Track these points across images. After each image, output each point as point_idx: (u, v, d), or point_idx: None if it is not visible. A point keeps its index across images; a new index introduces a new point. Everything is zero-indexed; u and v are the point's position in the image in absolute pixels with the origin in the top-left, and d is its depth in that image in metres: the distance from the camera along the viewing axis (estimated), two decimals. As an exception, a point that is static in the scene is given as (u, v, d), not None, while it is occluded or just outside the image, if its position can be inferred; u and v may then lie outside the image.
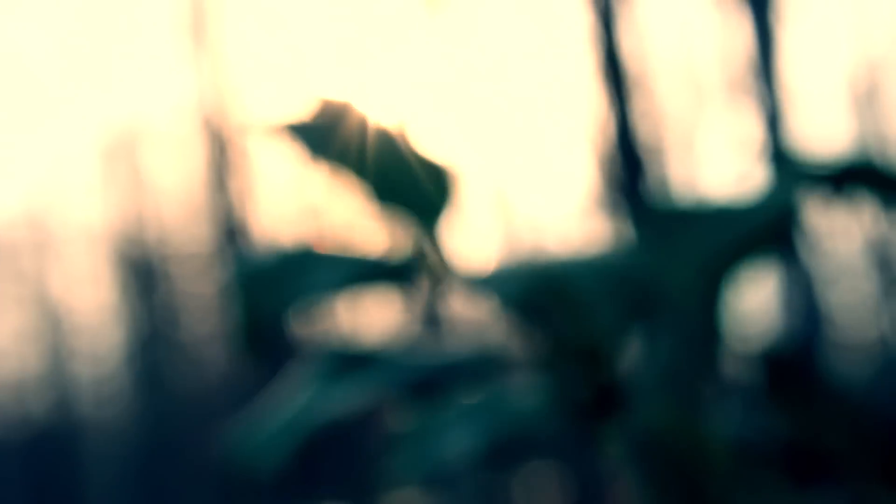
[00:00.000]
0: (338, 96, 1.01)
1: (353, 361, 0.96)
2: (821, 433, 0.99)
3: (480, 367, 0.93)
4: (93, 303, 16.28)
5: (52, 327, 15.50)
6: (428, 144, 1.01)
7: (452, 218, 0.96)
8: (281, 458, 0.88)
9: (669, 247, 0.99)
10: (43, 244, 15.50)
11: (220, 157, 11.47)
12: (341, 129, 0.99)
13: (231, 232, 11.43)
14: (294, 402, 0.94)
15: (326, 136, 0.98)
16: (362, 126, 1.00)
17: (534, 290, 0.76)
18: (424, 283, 0.84)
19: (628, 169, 6.46)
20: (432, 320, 12.25)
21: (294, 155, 0.96)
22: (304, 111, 1.01)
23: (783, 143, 5.18)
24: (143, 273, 16.15)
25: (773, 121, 5.36)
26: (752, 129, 5.34)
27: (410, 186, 0.98)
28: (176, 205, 15.70)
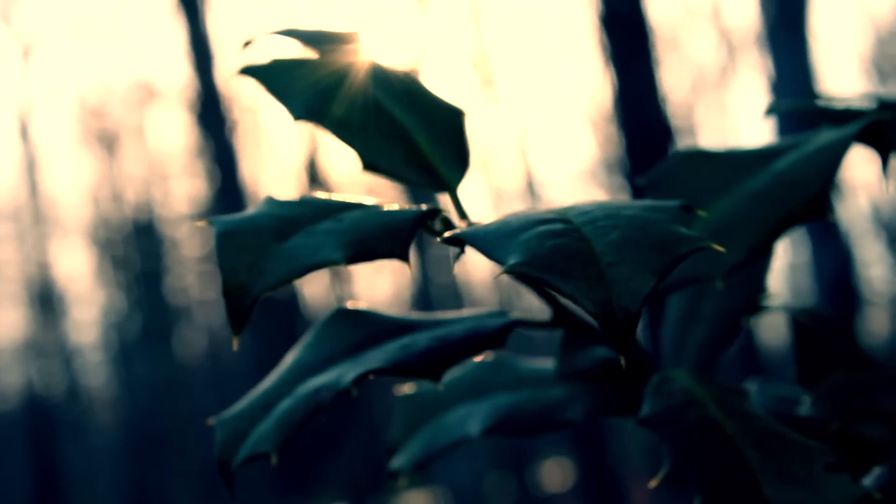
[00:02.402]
0: (336, 30, 0.92)
1: (359, 328, 0.88)
2: (855, 406, 0.91)
3: (495, 335, 0.84)
4: (85, 267, 16.28)
5: (45, 293, 15.49)
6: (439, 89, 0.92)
7: (469, 169, 0.87)
8: (260, 436, 0.79)
9: (704, 196, 0.90)
10: (36, 209, 15.46)
11: (218, 114, 11.41)
12: (327, 69, 0.89)
13: (228, 191, 11.38)
14: (279, 372, 0.85)
15: (306, 77, 0.89)
16: (360, 64, 0.90)
17: (548, 246, 0.66)
18: (438, 241, 0.74)
19: (653, 126, 6.37)
20: (443, 283, 12.26)
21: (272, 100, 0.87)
22: (275, 50, 0.92)
23: (812, 93, 5.09)
24: (139, 235, 16.13)
25: (802, 72, 5.26)
26: (779, 80, 5.25)
27: (424, 133, 0.89)
28: (171, 165, 15.67)
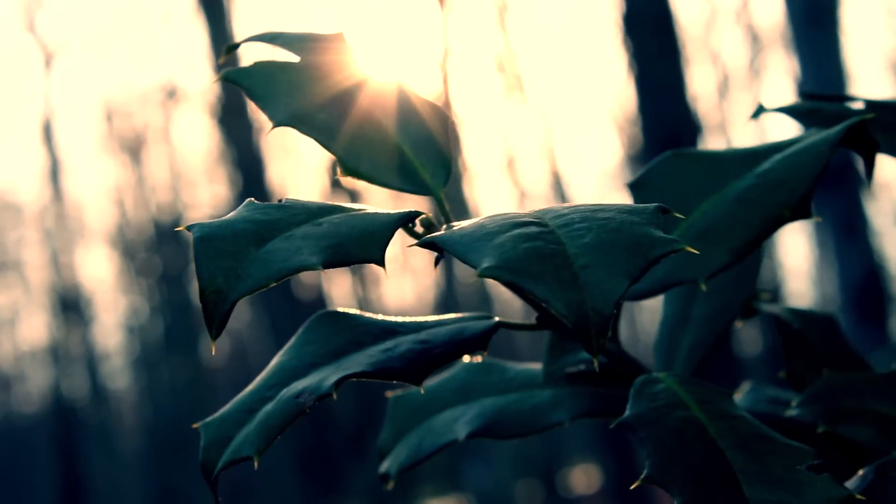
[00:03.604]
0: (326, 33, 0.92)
1: (342, 331, 0.88)
2: (842, 408, 0.91)
3: (477, 339, 0.84)
4: (109, 271, 16.33)
5: (70, 297, 15.54)
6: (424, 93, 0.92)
7: (451, 172, 0.88)
8: (242, 441, 0.80)
9: (690, 197, 0.90)
10: (60, 214, 15.51)
11: (243, 117, 11.43)
12: (310, 73, 0.89)
13: (254, 194, 11.41)
14: (263, 376, 0.86)
15: (288, 82, 0.89)
16: (342, 68, 0.90)
17: (522, 249, 0.67)
18: (414, 244, 0.74)
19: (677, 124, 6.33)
20: (475, 300, 12.25)
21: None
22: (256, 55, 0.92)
23: (838, 88, 5.06)
24: (163, 239, 16.17)
25: (830, 70, 5.23)
26: (805, 79, 5.22)
27: (407, 137, 0.89)
28: (196, 168, 15.71)
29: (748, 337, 12.14)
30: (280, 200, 0.78)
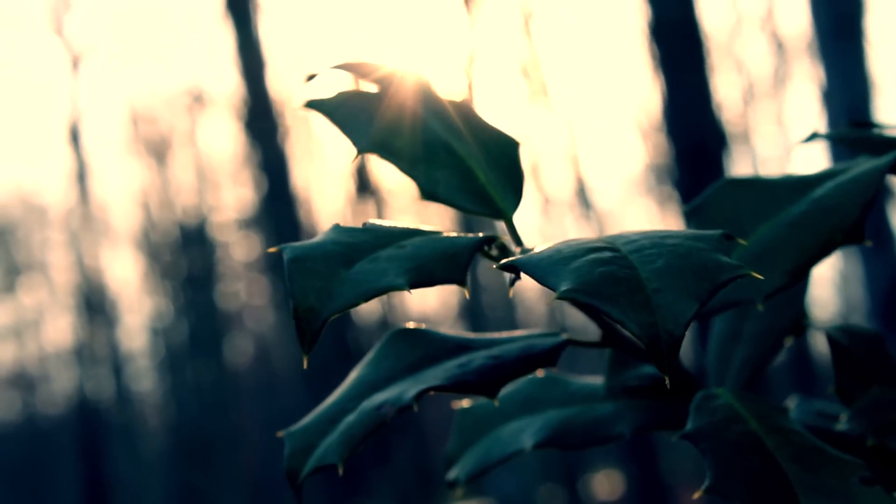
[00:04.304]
0: (384, 65, 0.97)
1: (418, 347, 0.93)
2: (890, 422, 0.96)
3: (547, 355, 0.89)
4: (135, 273, 16.40)
5: (95, 299, 15.62)
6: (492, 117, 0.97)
7: (523, 197, 0.92)
8: (326, 449, 0.85)
9: (745, 222, 0.94)
10: (86, 216, 15.59)
11: (269, 121, 11.47)
12: (388, 102, 0.94)
13: (279, 197, 11.45)
14: (343, 389, 0.91)
15: (368, 110, 0.94)
16: (418, 97, 0.95)
17: (598, 273, 0.71)
18: (493, 267, 0.79)
19: (706, 139, 6.35)
20: (499, 306, 12.28)
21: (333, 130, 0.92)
22: (339, 85, 0.97)
23: (866, 110, 5.07)
24: (188, 242, 16.24)
25: (856, 80, 5.24)
26: (831, 89, 5.22)
27: (480, 163, 0.94)
28: (221, 172, 15.78)
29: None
30: (364, 224, 0.84)
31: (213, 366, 15.39)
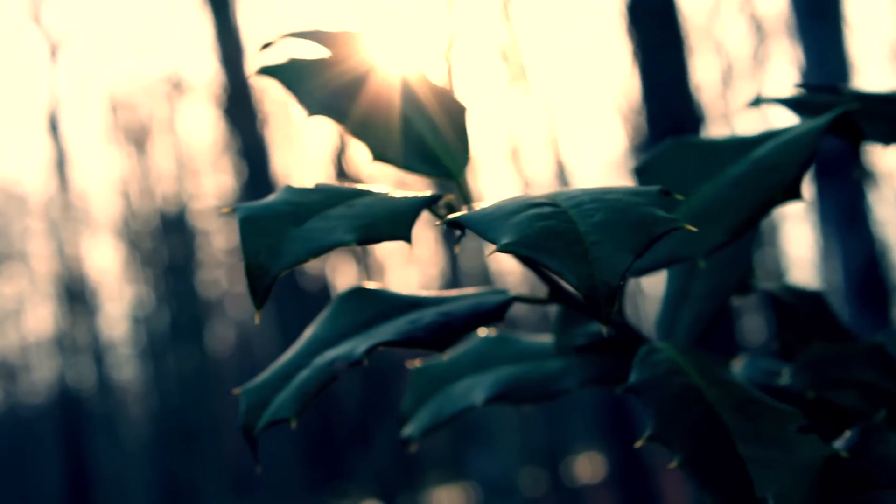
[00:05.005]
0: (345, 31, 0.99)
1: (370, 305, 0.96)
2: (830, 377, 0.99)
3: (494, 311, 0.92)
4: (115, 262, 16.39)
5: (75, 288, 15.61)
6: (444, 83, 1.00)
7: (471, 158, 0.95)
8: (280, 404, 0.87)
9: (689, 181, 0.97)
10: (66, 205, 15.58)
11: (247, 107, 11.47)
12: (339, 67, 0.97)
13: (259, 184, 11.46)
14: (298, 346, 0.93)
15: (320, 75, 0.97)
16: (369, 62, 0.98)
17: (538, 227, 0.74)
18: (437, 224, 0.82)
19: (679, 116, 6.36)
20: (474, 275, 12.31)
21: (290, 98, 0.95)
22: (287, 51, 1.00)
23: (839, 80, 5.09)
24: (168, 230, 16.24)
25: (833, 60, 5.26)
26: (809, 69, 5.25)
27: (429, 126, 0.97)
28: (201, 159, 15.78)
29: (753, 326, 12.22)
30: (315, 185, 0.86)
31: (195, 354, 15.39)
